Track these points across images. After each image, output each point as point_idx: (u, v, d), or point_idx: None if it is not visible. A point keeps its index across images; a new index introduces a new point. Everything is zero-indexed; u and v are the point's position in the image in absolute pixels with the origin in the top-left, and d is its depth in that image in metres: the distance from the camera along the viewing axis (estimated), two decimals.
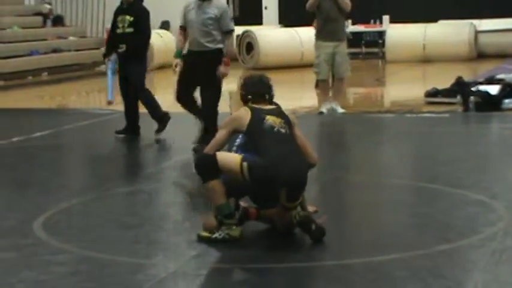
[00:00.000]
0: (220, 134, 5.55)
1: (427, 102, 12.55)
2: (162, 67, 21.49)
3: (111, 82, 9.10)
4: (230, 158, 5.39)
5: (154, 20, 25.27)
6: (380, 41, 22.75)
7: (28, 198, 7.03)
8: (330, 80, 12.15)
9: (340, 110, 11.78)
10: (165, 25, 24.93)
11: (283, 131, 5.47)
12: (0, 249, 5.43)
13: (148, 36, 9.97)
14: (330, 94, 12.08)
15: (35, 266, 5.05)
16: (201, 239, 5.47)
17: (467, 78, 13.20)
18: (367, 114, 11.80)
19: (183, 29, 8.97)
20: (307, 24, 20.00)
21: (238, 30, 21.70)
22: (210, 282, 4.87)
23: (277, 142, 5.40)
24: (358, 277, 4.79)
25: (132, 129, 9.83)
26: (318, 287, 4.66)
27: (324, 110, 11.83)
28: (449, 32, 20.89)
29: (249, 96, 5.66)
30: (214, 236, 5.42)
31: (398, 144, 9.54)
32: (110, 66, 10.26)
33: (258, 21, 24.92)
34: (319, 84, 11.90)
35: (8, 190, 7.54)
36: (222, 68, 8.78)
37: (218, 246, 5.38)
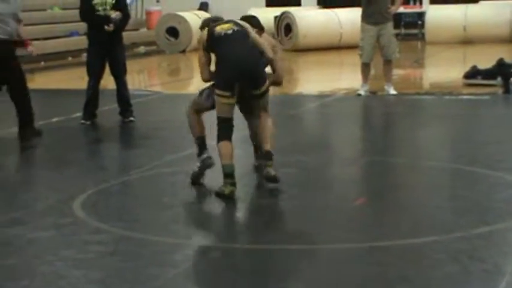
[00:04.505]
0: (200, 57, 6.54)
1: (466, 84, 12.42)
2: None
3: None
4: (217, 106, 6.38)
5: (194, 1, 25.44)
6: (419, 22, 22.55)
7: (67, 178, 7.11)
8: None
9: (392, 92, 11.68)
10: (203, 6, 24.94)
11: (230, 32, 6.41)
12: (41, 228, 5.51)
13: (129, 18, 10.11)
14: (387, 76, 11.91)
15: (74, 245, 5.12)
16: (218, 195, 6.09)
17: (508, 59, 13.03)
18: (405, 96, 11.72)
19: None
20: (346, 5, 19.93)
21: (277, 11, 21.69)
22: (248, 261, 4.89)
23: (226, 44, 6.34)
24: (395, 259, 4.78)
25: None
26: (355, 269, 4.65)
27: (361, 92, 11.76)
28: (491, 13, 20.61)
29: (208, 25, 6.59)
30: (216, 190, 6.13)
31: (437, 127, 9.47)
32: None
33: (297, 2, 24.82)
34: (361, 67, 11.79)
35: (47, 170, 7.63)
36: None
37: (253, 226, 5.40)
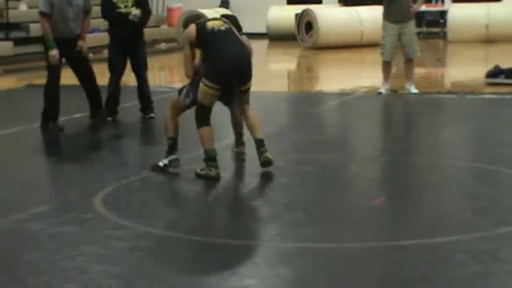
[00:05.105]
0: (185, 51, 6.77)
1: (488, 83, 12.35)
2: None
3: None
4: (201, 95, 6.61)
5: None
6: (441, 21, 22.45)
7: (88, 173, 7.14)
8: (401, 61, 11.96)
9: (414, 91, 11.62)
10: (224, 3, 24.96)
11: (223, 28, 6.64)
12: (63, 223, 5.54)
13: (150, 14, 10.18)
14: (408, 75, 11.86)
15: (95, 241, 5.14)
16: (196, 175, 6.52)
17: None
18: (427, 94, 11.67)
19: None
20: (368, 3, 19.87)
21: (298, 8, 21.66)
22: (265, 259, 4.89)
23: (220, 39, 6.58)
24: (415, 259, 4.75)
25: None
26: (375, 268, 4.64)
27: (382, 90, 11.72)
28: None
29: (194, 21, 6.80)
30: (198, 171, 6.54)
31: (458, 126, 9.42)
32: None
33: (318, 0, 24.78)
34: (382, 65, 11.75)
35: (69, 165, 7.67)
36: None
37: (271, 223, 5.40)
